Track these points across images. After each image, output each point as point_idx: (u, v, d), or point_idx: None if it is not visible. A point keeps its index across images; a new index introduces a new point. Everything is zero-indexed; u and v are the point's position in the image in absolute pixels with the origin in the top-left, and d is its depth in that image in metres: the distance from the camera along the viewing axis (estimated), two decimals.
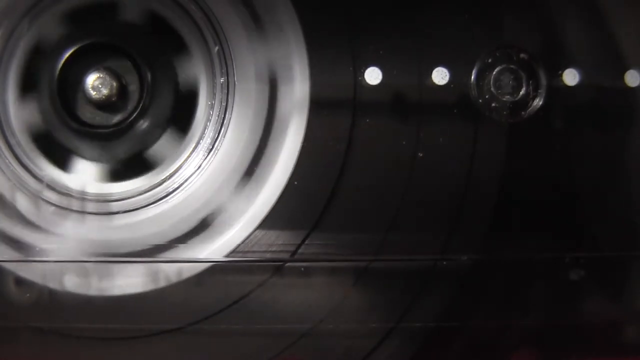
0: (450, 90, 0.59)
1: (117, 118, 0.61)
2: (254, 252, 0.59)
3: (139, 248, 0.59)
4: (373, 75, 0.59)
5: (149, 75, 0.61)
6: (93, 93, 0.60)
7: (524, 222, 0.60)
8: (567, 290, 0.60)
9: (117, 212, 0.60)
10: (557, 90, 0.59)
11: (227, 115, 0.60)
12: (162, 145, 0.61)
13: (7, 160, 0.60)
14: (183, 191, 0.60)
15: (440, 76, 0.59)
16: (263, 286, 0.58)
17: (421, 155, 0.59)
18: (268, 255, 0.59)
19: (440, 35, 0.59)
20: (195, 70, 0.61)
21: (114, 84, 0.60)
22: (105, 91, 0.60)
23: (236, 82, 0.60)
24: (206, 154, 0.60)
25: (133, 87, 0.61)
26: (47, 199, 0.59)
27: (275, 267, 0.58)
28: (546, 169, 0.60)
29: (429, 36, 0.59)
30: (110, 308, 0.58)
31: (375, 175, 0.59)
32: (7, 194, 0.59)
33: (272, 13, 0.59)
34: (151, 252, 0.59)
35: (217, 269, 0.58)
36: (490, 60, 0.59)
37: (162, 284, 0.58)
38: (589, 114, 0.60)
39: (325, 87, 0.59)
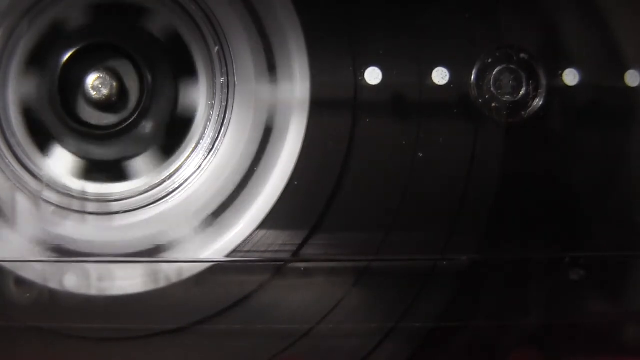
0: (450, 90, 0.59)
1: (117, 118, 0.61)
2: (254, 252, 0.59)
3: (139, 248, 0.59)
4: (373, 75, 0.59)
5: (148, 76, 0.61)
6: (93, 93, 0.60)
7: (524, 222, 0.60)
8: (567, 290, 0.60)
9: (117, 212, 0.60)
10: (557, 90, 0.59)
11: (227, 115, 0.60)
12: (161, 145, 0.61)
13: (7, 160, 0.60)
14: (183, 191, 0.60)
15: (440, 76, 0.59)
16: (263, 286, 0.58)
17: (421, 155, 0.59)
18: (268, 255, 0.59)
19: (440, 35, 0.59)
20: (196, 71, 0.61)
21: (114, 84, 0.60)
22: (105, 91, 0.60)
23: (236, 82, 0.60)
24: (206, 154, 0.60)
25: (133, 87, 0.61)
26: (47, 199, 0.59)
27: (276, 267, 0.58)
28: (546, 168, 0.60)
29: (429, 36, 0.59)
30: (111, 308, 0.58)
31: (375, 175, 0.59)
32: (7, 194, 0.59)
33: (272, 13, 0.59)
34: (151, 252, 0.59)
35: (217, 269, 0.58)
36: (490, 60, 0.59)
37: (162, 284, 0.58)
38: (589, 114, 0.60)
39: (325, 87, 0.59)
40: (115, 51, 0.61)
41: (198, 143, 0.61)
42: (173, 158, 0.61)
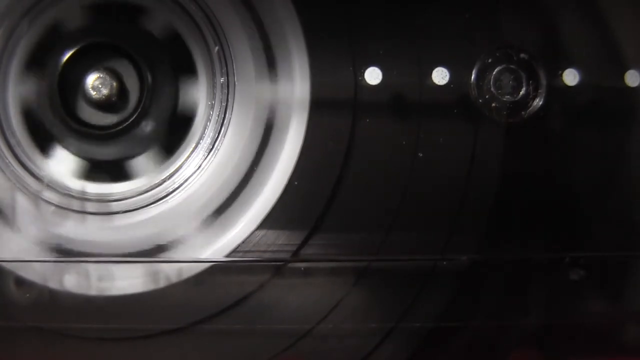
0: (450, 90, 0.59)
1: (117, 118, 0.61)
2: (254, 252, 0.59)
3: (139, 248, 0.59)
4: (373, 75, 0.59)
5: (148, 76, 0.61)
6: (93, 93, 0.60)
7: (524, 222, 0.60)
8: (567, 290, 0.60)
9: (117, 212, 0.60)
10: (557, 90, 0.59)
11: (227, 115, 0.60)
12: (161, 146, 0.61)
13: (7, 160, 0.60)
14: (183, 191, 0.60)
15: (440, 76, 0.59)
16: (263, 286, 0.58)
17: (421, 155, 0.59)
18: (268, 255, 0.59)
19: (440, 35, 0.59)
20: (196, 71, 0.61)
21: (114, 84, 0.60)
22: (105, 91, 0.60)
23: (236, 82, 0.60)
24: (206, 154, 0.60)
25: (133, 87, 0.61)
26: (47, 199, 0.59)
27: (276, 267, 0.58)
28: (546, 168, 0.60)
29: (429, 36, 0.59)
30: (110, 308, 0.58)
31: (375, 175, 0.59)
32: (7, 194, 0.59)
33: (272, 13, 0.59)
34: (151, 252, 0.59)
35: (217, 269, 0.58)
36: (490, 60, 0.59)
37: (162, 284, 0.58)
38: (589, 114, 0.60)
39: (325, 87, 0.59)
40: (115, 51, 0.61)
41: (198, 143, 0.61)
42: (173, 158, 0.61)
